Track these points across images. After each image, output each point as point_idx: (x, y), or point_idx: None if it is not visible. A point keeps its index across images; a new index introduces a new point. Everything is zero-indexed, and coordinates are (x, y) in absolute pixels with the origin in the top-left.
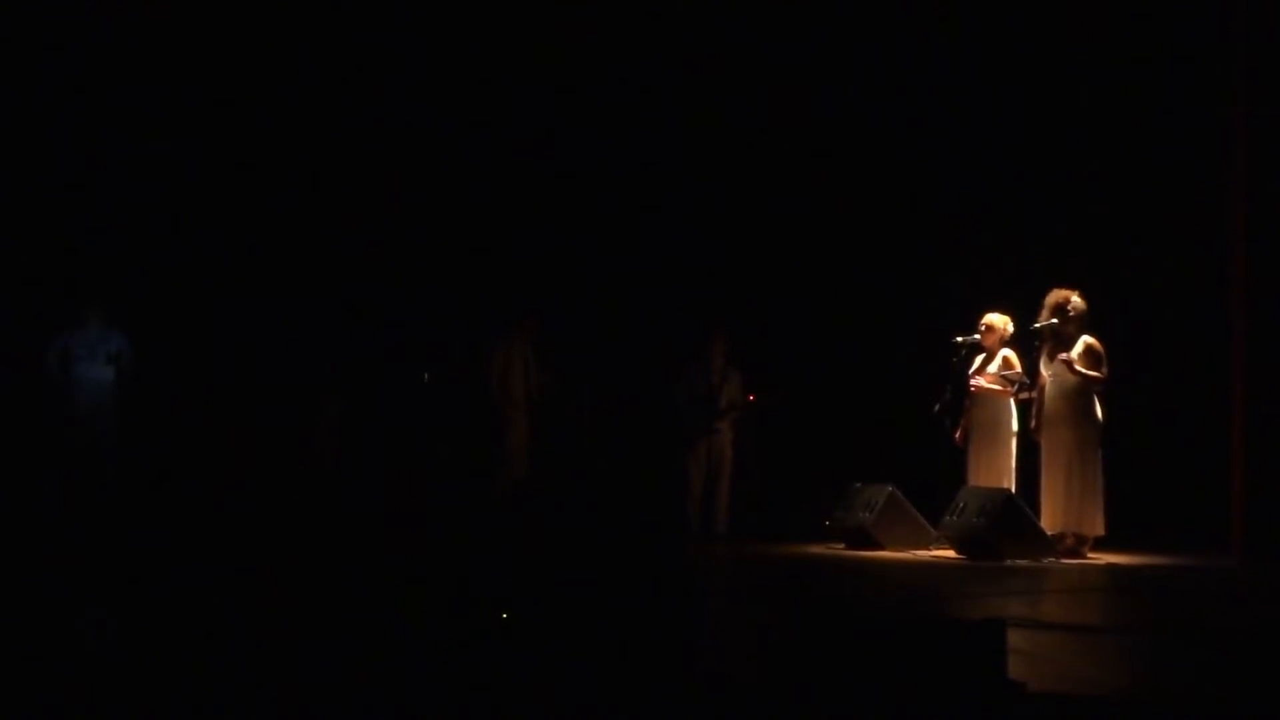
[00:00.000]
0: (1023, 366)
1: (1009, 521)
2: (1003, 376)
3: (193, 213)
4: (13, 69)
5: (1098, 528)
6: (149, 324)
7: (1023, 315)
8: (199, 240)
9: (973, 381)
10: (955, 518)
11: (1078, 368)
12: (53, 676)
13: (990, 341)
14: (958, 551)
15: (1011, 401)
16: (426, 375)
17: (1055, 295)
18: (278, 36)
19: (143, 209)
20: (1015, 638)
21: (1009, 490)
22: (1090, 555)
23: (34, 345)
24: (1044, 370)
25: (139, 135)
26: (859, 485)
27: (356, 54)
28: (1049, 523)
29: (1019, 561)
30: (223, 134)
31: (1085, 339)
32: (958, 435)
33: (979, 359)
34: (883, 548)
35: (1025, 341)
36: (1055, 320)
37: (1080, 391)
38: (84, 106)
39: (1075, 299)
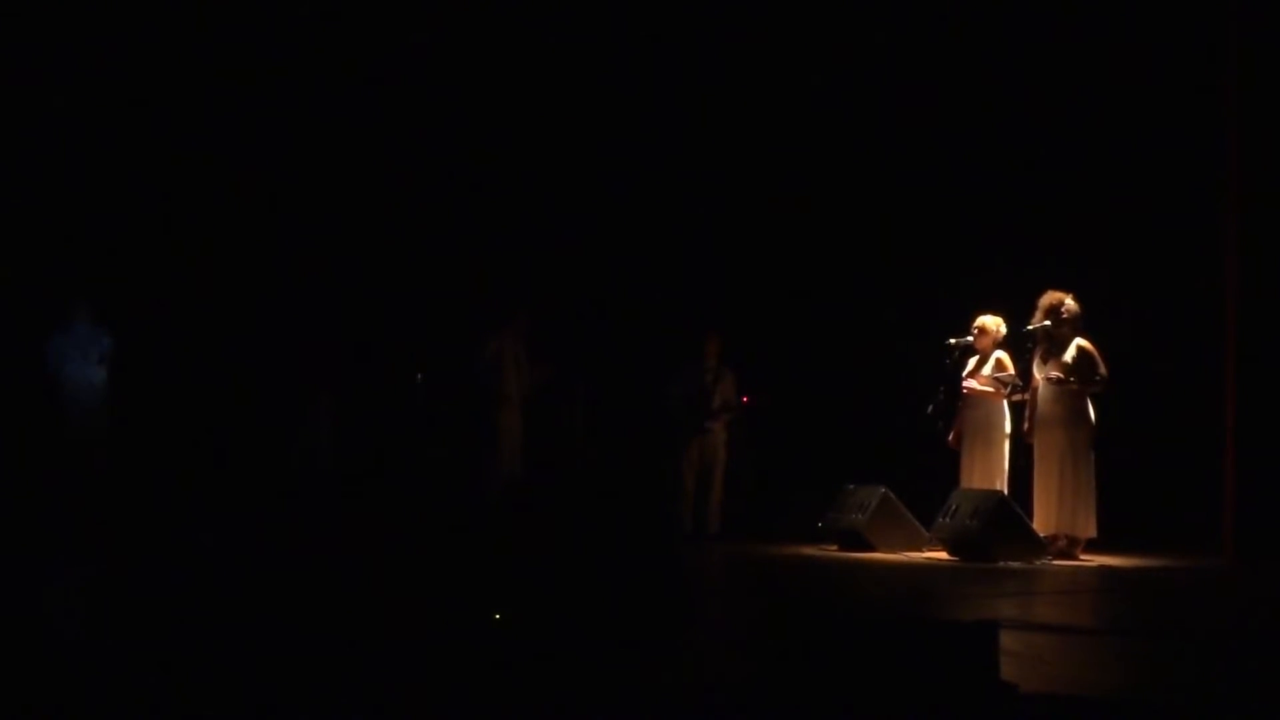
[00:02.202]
0: (1016, 369)
1: (1001, 523)
2: (996, 379)
3: (185, 211)
4: (9, 69)
5: (1090, 529)
6: (141, 323)
7: (1016, 317)
8: (191, 239)
9: (965, 384)
10: (948, 519)
11: (1063, 377)
12: (44, 672)
13: (983, 344)
14: (950, 553)
15: (1005, 404)
16: (419, 375)
17: (1048, 297)
18: (267, 33)
19: (134, 206)
20: (1008, 639)
21: (1001, 492)
22: (1082, 557)
23: (25, 343)
24: (1037, 373)
25: (131, 131)
26: (852, 487)
27: (349, 53)
28: (1041, 524)
29: (1011, 563)
30: (215, 132)
31: (1078, 341)
32: (951, 437)
33: (972, 361)
34: (875, 549)
35: (1018, 344)
36: (1048, 322)
37: (1073, 394)
38: (75, 103)
39: (1069, 301)
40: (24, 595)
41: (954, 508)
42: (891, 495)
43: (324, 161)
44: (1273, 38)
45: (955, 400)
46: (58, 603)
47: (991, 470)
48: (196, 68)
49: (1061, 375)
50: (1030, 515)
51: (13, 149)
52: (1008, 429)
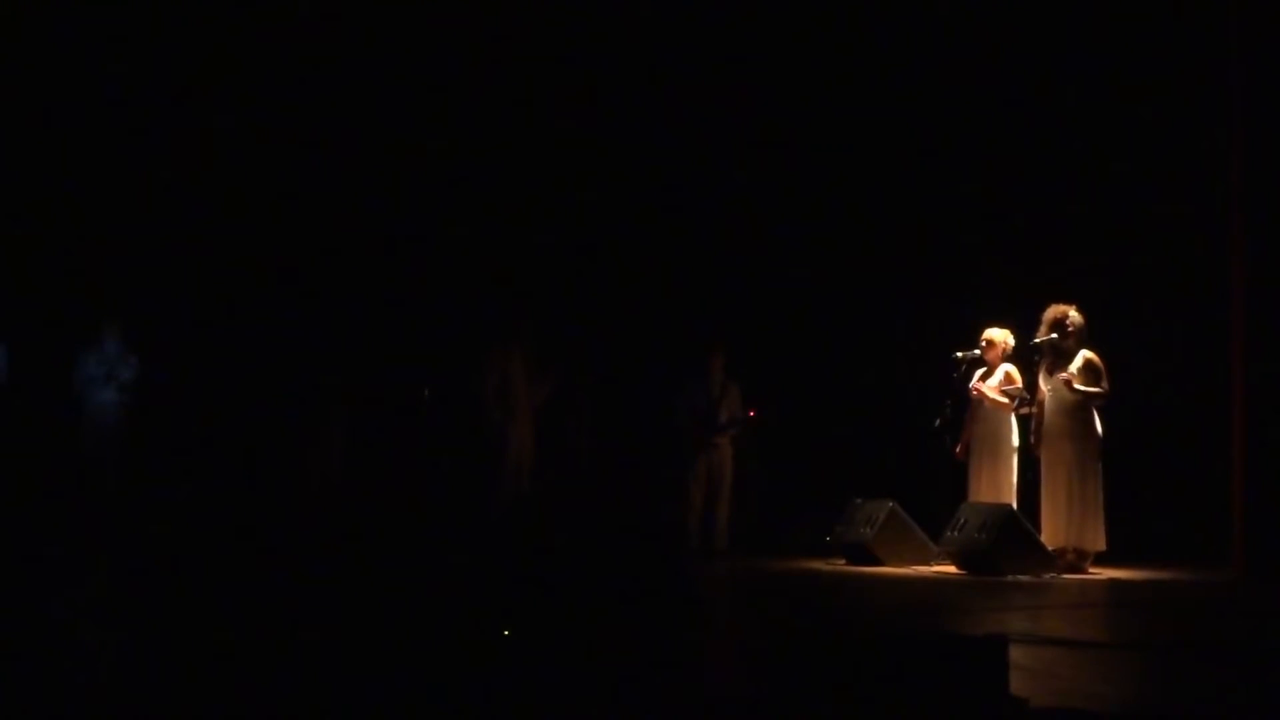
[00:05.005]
0: (1023, 381)
1: (1010, 537)
2: (1003, 391)
3: (192, 227)
4: (36, 86)
5: (1098, 543)
6: (152, 339)
7: (1023, 330)
8: (199, 255)
9: (974, 387)
10: (956, 533)
11: (1077, 386)
12: (54, 685)
13: (991, 356)
14: (959, 567)
15: (1012, 417)
16: (427, 390)
17: (1053, 310)
18: (278, 58)
19: (145, 223)
20: (1017, 653)
21: (1010, 506)
22: (1091, 570)
23: (49, 360)
24: (1043, 385)
25: (142, 150)
26: (860, 500)
27: (352, 71)
28: (1049, 538)
29: (1020, 577)
30: (223, 150)
31: (1084, 354)
32: (959, 450)
33: (979, 374)
34: (884, 563)
35: (1025, 357)
36: (1054, 335)
37: (1080, 406)
38: (95, 120)
39: (1073, 314)
40: (34, 608)
41: (962, 521)
42: (899, 509)
43: (329, 174)
44: (1277, 44)
45: (963, 413)
46: (69, 616)
47: (999, 484)
48: (208, 88)
49: (1073, 374)
50: (1038, 529)
51: (33, 164)
52: (1015, 442)
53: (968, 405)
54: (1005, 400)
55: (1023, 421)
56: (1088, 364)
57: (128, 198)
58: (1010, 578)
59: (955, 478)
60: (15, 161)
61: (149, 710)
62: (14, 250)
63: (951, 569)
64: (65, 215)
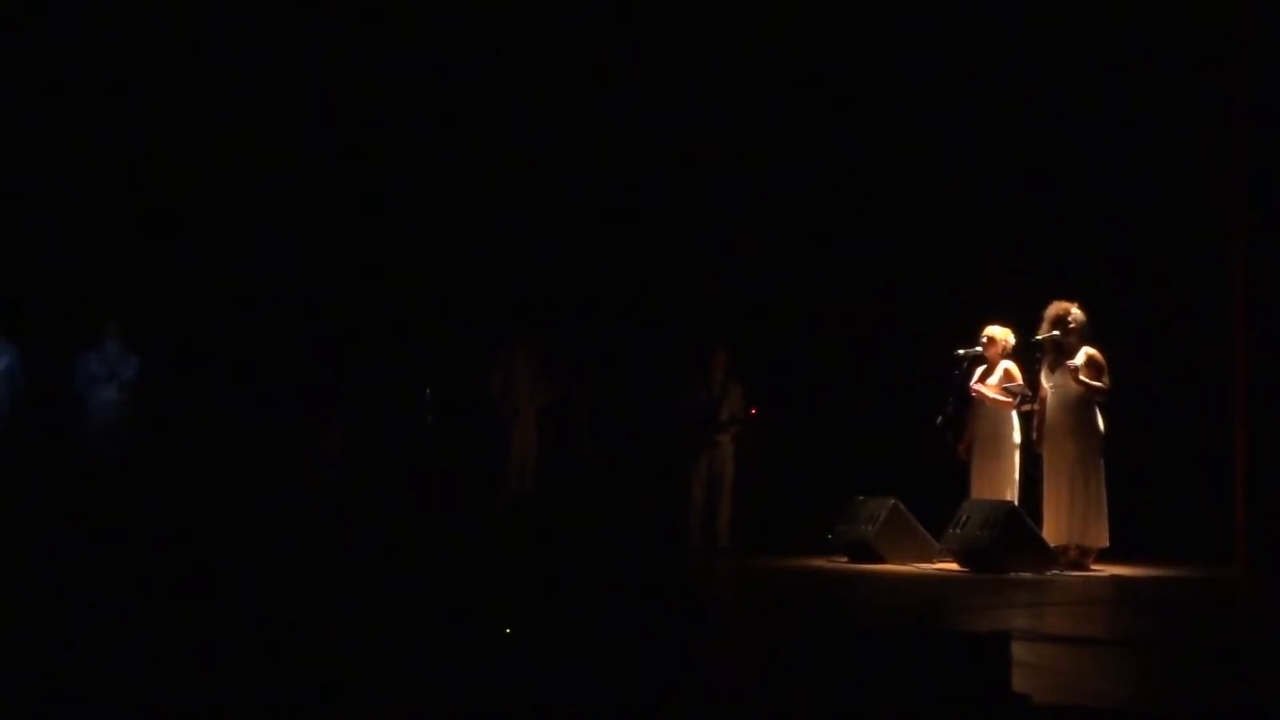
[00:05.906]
0: (1024, 379)
1: (1012, 534)
2: (1005, 389)
3: (192, 227)
4: (36, 86)
5: (1101, 539)
6: (151, 340)
7: (1024, 328)
8: (199, 255)
9: (973, 385)
10: (958, 530)
11: (1081, 377)
12: (53, 684)
13: (992, 354)
14: (961, 564)
15: (1014, 414)
16: (428, 390)
17: (1055, 308)
18: (279, 58)
19: (145, 224)
20: (1019, 650)
21: (1012, 503)
22: (1094, 567)
23: (50, 361)
24: (1045, 382)
25: (142, 149)
26: (861, 498)
27: (356, 69)
28: (1052, 535)
29: (1022, 574)
30: (224, 149)
31: (1086, 350)
32: (960, 448)
33: (980, 371)
34: (885, 561)
35: (1027, 354)
36: (1056, 332)
37: (1082, 403)
38: (94, 121)
39: (1075, 311)
40: (35, 614)
41: (964, 519)
42: (901, 506)
43: (331, 174)
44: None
45: (965, 411)
46: (70, 621)
47: (1001, 481)
48: (211, 93)
49: (1078, 365)
50: (1041, 526)
51: (45, 171)
52: (1017, 439)
53: (969, 403)
54: (1006, 399)
55: (1024, 418)
56: (1090, 361)
57: (128, 198)
58: (1013, 575)
59: (957, 475)
60: (15, 162)
61: (149, 710)
62: (15, 251)
63: (954, 566)
64: (66, 216)
